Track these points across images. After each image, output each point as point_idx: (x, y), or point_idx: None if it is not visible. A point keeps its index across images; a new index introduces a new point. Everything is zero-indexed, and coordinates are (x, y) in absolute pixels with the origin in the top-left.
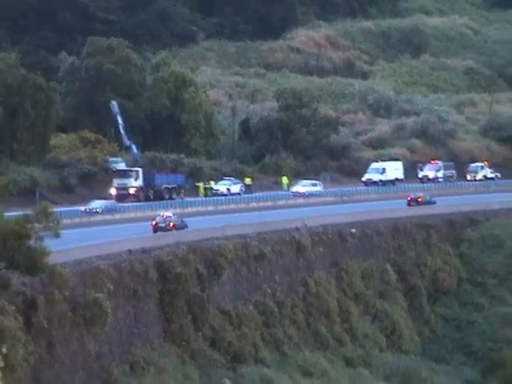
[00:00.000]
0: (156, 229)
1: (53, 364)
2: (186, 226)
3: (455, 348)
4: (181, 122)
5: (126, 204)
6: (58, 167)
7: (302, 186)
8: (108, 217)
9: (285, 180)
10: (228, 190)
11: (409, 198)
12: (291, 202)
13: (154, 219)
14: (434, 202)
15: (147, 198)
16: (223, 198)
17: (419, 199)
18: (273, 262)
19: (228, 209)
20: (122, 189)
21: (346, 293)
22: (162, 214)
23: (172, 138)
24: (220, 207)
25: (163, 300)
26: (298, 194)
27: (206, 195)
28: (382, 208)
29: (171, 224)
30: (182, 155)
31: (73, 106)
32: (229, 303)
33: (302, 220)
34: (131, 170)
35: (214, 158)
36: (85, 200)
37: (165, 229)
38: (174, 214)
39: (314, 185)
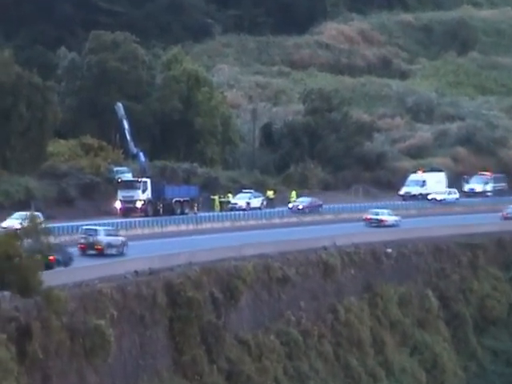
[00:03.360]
0: (369, 223)
1: None
2: (398, 225)
3: None
4: (194, 127)
5: (132, 219)
6: (56, 177)
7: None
8: None
9: (293, 195)
10: (248, 203)
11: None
12: (319, 217)
13: (366, 216)
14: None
15: (156, 213)
16: (241, 213)
17: None
18: (297, 286)
19: (247, 225)
20: (128, 202)
21: (381, 321)
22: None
23: (184, 145)
24: (238, 223)
25: (173, 328)
26: None
27: (222, 209)
28: (422, 225)
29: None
30: (196, 164)
31: (73, 108)
32: (247, 332)
33: (331, 238)
34: (138, 181)
35: (231, 168)
36: (86, 215)
37: (378, 225)
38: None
39: None
